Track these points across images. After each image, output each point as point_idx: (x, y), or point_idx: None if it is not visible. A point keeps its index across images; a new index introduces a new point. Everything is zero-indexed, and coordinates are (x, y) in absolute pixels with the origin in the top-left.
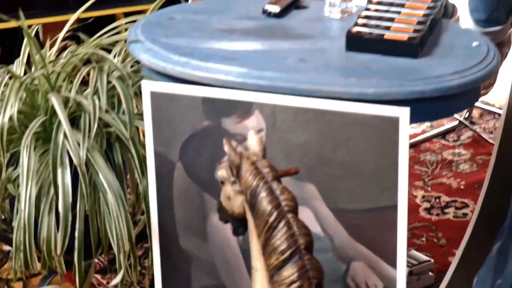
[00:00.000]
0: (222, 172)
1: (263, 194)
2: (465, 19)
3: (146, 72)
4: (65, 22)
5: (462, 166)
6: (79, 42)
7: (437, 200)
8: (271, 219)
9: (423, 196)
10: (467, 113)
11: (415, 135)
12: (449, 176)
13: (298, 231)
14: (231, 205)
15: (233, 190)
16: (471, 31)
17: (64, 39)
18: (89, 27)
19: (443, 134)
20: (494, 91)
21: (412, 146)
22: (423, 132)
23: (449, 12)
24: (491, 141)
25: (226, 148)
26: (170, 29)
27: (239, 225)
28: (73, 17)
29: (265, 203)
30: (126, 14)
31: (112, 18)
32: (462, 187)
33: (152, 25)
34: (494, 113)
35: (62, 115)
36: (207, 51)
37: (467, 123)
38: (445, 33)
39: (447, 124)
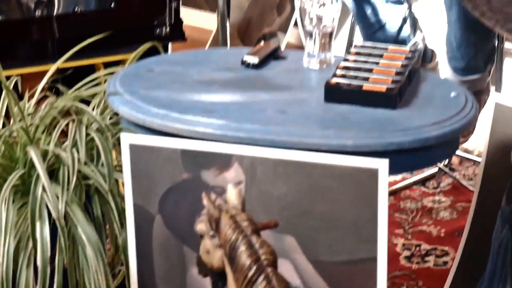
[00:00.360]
0: (201, 226)
1: (242, 248)
2: (444, 66)
3: (125, 124)
4: (45, 72)
5: (442, 214)
6: (58, 92)
7: (418, 248)
8: (251, 273)
9: (404, 244)
10: (447, 160)
11: (395, 182)
12: (429, 223)
13: (277, 285)
14: (210, 259)
15: (212, 244)
16: (449, 81)
17: (43, 89)
18: (69, 77)
19: (423, 181)
20: (473, 138)
21: (392, 193)
22: (403, 179)
23: (427, 57)
24: (471, 188)
25: (205, 201)
26: (149, 81)
27: (219, 278)
28: (52, 68)
29: (244, 257)
30: (106, 64)
31: (92, 68)
32: (442, 234)
33: (131, 77)
34: (474, 160)
35: (40, 168)
36: (186, 103)
37: (447, 170)
38: (423, 83)
39: (427, 171)
